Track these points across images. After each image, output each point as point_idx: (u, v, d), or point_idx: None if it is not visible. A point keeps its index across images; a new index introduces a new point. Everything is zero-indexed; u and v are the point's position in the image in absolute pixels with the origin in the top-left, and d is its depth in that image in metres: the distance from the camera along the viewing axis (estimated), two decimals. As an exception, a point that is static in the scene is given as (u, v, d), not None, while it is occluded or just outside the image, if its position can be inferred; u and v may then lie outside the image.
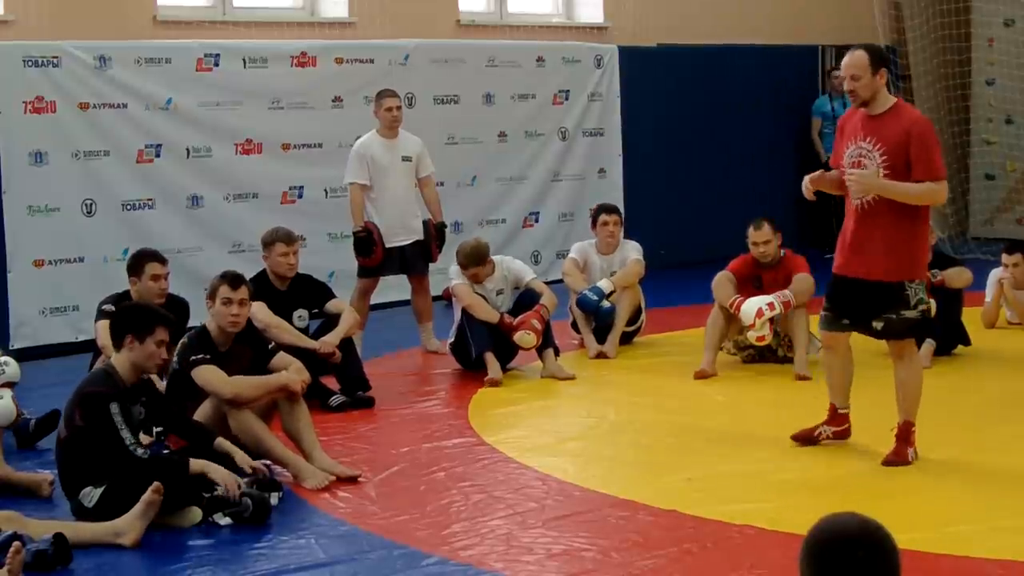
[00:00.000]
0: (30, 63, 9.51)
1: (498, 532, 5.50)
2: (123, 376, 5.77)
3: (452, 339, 8.70)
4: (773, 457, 6.54)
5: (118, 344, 5.84)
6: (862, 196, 6.18)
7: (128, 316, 5.93)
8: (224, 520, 5.68)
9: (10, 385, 6.69)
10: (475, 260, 8.61)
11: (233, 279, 6.53)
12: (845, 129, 6.37)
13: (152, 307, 6.11)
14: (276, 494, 5.92)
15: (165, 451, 6.24)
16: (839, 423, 6.67)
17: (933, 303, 8.27)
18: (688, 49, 13.66)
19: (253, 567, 5.20)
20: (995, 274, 9.57)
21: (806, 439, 6.66)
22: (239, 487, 5.71)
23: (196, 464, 5.75)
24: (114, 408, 5.61)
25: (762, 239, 8.54)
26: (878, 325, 6.29)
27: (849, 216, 6.32)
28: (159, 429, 6.63)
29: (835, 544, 2.71)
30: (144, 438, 6.66)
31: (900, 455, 6.29)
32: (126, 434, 5.61)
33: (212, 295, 6.51)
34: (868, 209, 6.19)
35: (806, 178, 6.38)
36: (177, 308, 7.47)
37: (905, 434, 6.32)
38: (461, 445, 6.93)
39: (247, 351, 6.57)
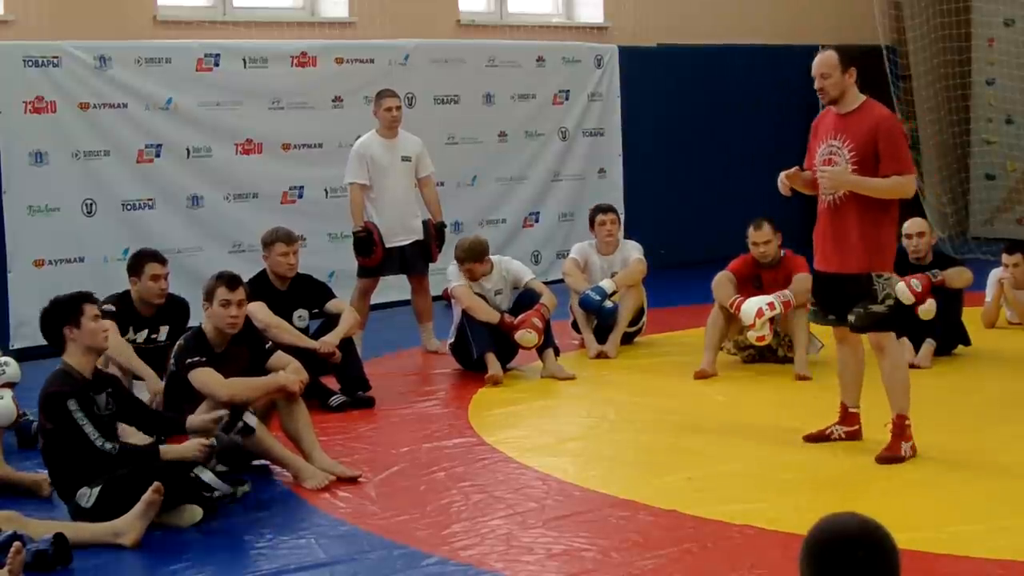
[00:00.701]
0: (30, 63, 9.51)
1: (498, 532, 5.50)
2: (79, 370, 5.74)
3: (452, 339, 8.70)
4: (773, 457, 6.54)
5: (60, 343, 5.78)
6: (833, 192, 6.28)
7: (52, 315, 5.81)
8: (207, 475, 5.68)
9: (10, 385, 6.68)
10: (473, 255, 8.61)
11: (230, 280, 6.51)
12: (819, 129, 6.50)
13: (68, 294, 6.00)
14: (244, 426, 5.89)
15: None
16: (850, 423, 6.68)
17: (933, 303, 8.34)
18: (688, 49, 13.66)
19: (253, 567, 5.20)
20: (995, 274, 9.57)
21: (818, 439, 6.68)
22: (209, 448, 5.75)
23: (166, 452, 5.73)
24: (72, 405, 5.59)
25: (762, 239, 8.55)
26: (851, 318, 6.35)
27: (821, 214, 6.44)
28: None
29: (835, 544, 2.71)
30: (142, 439, 6.67)
31: (893, 451, 6.30)
32: (89, 429, 5.58)
33: (209, 297, 6.47)
34: (838, 205, 6.31)
35: (781, 174, 6.43)
36: (177, 308, 7.48)
37: (899, 429, 6.33)
38: (461, 445, 6.93)
39: (244, 351, 6.55)
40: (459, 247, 8.68)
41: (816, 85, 6.35)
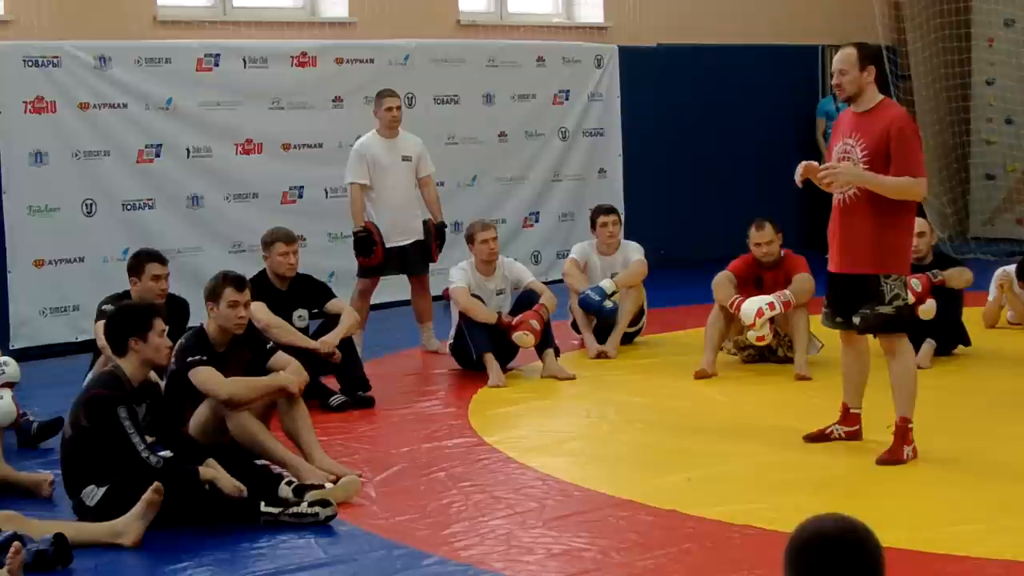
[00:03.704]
0: (30, 63, 9.51)
1: (498, 532, 5.50)
2: (131, 378, 5.75)
3: (452, 339, 8.70)
4: (773, 457, 6.54)
5: (121, 349, 5.77)
6: (842, 188, 6.25)
7: (123, 319, 5.85)
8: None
9: (10, 385, 6.69)
10: (482, 223, 8.85)
11: (237, 281, 6.50)
12: (838, 128, 6.49)
13: (140, 303, 6.04)
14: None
15: (166, 454, 6.17)
16: (851, 423, 6.67)
17: (933, 303, 8.34)
18: (688, 49, 13.66)
19: (253, 567, 5.21)
20: (998, 274, 9.57)
21: (818, 439, 6.68)
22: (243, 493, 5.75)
23: (206, 472, 5.73)
24: (122, 412, 5.59)
25: (764, 239, 8.54)
26: (856, 320, 6.33)
27: (833, 211, 6.41)
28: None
29: (815, 544, 2.72)
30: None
31: (895, 454, 6.29)
32: (136, 439, 5.58)
33: (215, 297, 6.42)
34: (849, 203, 6.28)
35: (801, 163, 6.39)
36: (177, 308, 7.47)
37: (902, 432, 6.32)
38: (461, 445, 6.93)
39: (245, 351, 6.54)
40: (469, 227, 8.90)
41: (833, 81, 6.34)
